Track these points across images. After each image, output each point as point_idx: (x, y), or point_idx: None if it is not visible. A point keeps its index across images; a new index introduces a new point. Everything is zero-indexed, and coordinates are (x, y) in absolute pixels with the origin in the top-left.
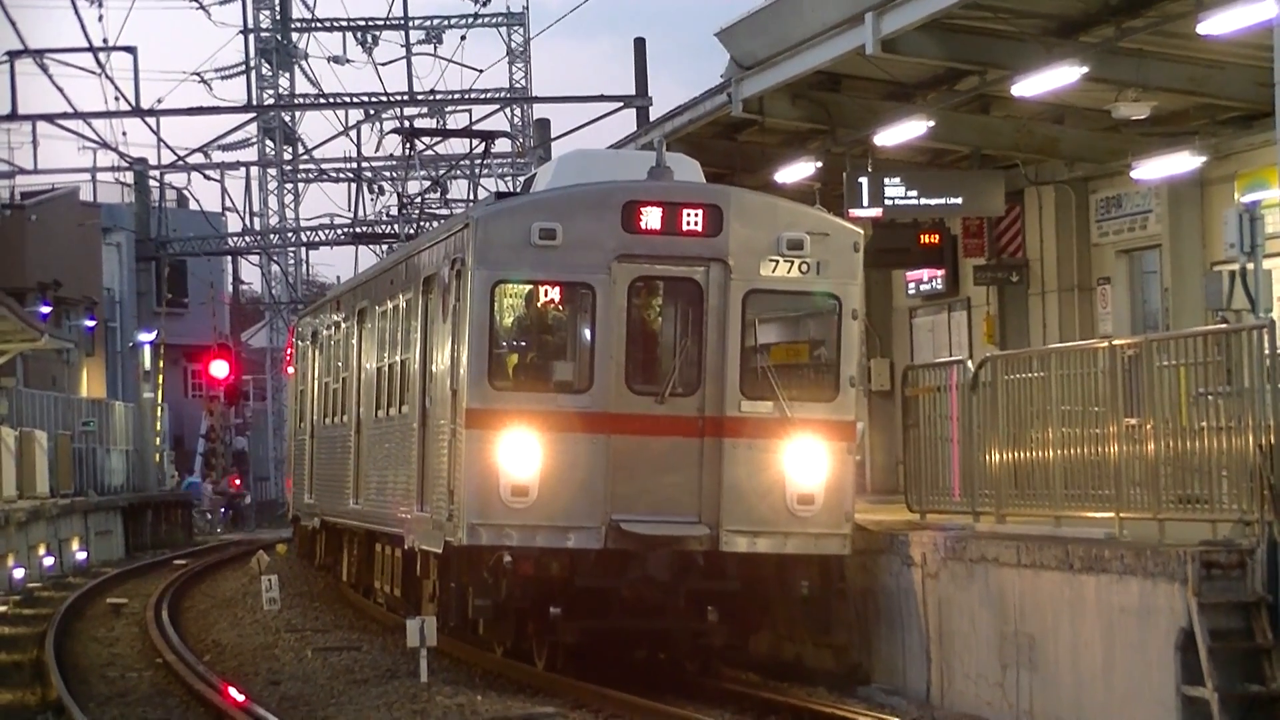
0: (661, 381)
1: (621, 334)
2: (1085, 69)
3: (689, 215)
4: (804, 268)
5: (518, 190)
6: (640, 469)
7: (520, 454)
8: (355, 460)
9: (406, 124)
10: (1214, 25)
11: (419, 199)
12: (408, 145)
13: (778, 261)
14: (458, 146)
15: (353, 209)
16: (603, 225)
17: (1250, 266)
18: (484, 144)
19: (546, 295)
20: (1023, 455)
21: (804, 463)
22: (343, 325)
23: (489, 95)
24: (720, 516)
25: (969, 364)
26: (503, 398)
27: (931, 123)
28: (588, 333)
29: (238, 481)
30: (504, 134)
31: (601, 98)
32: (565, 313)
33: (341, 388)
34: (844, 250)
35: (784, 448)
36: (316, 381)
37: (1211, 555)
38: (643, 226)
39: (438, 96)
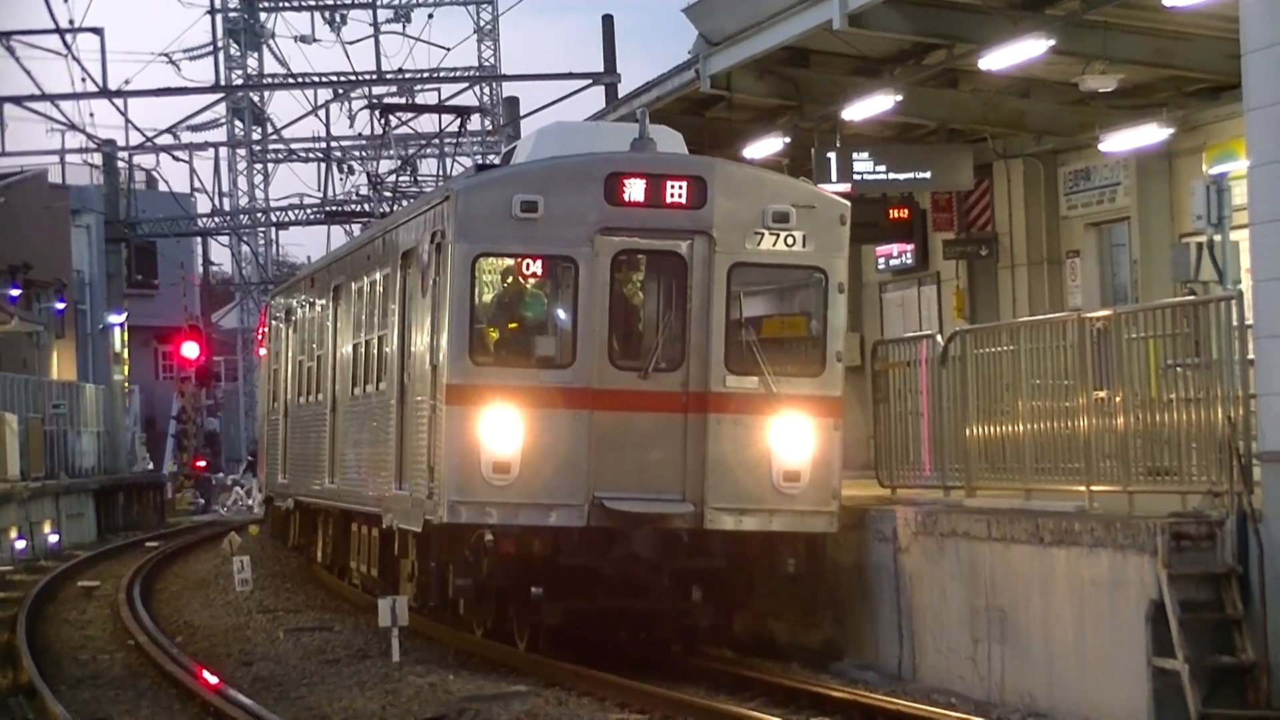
0: (645, 357)
1: (604, 308)
2: (1052, 42)
3: (672, 187)
4: (790, 241)
5: (497, 164)
6: (624, 445)
7: (502, 430)
8: (331, 439)
9: (380, 100)
10: None
11: (393, 176)
12: (382, 121)
13: (763, 234)
14: (429, 125)
15: (322, 189)
16: (585, 197)
17: (1218, 238)
18: (459, 119)
19: (528, 269)
20: (993, 429)
21: (790, 439)
22: (317, 303)
23: (458, 74)
24: (705, 494)
25: (939, 338)
26: (484, 373)
27: (899, 97)
28: (570, 307)
29: (202, 463)
30: (479, 109)
31: (570, 75)
32: (547, 287)
33: (316, 366)
34: (830, 223)
35: (769, 424)
36: (290, 360)
37: (1181, 527)
38: (626, 199)
39: (406, 75)
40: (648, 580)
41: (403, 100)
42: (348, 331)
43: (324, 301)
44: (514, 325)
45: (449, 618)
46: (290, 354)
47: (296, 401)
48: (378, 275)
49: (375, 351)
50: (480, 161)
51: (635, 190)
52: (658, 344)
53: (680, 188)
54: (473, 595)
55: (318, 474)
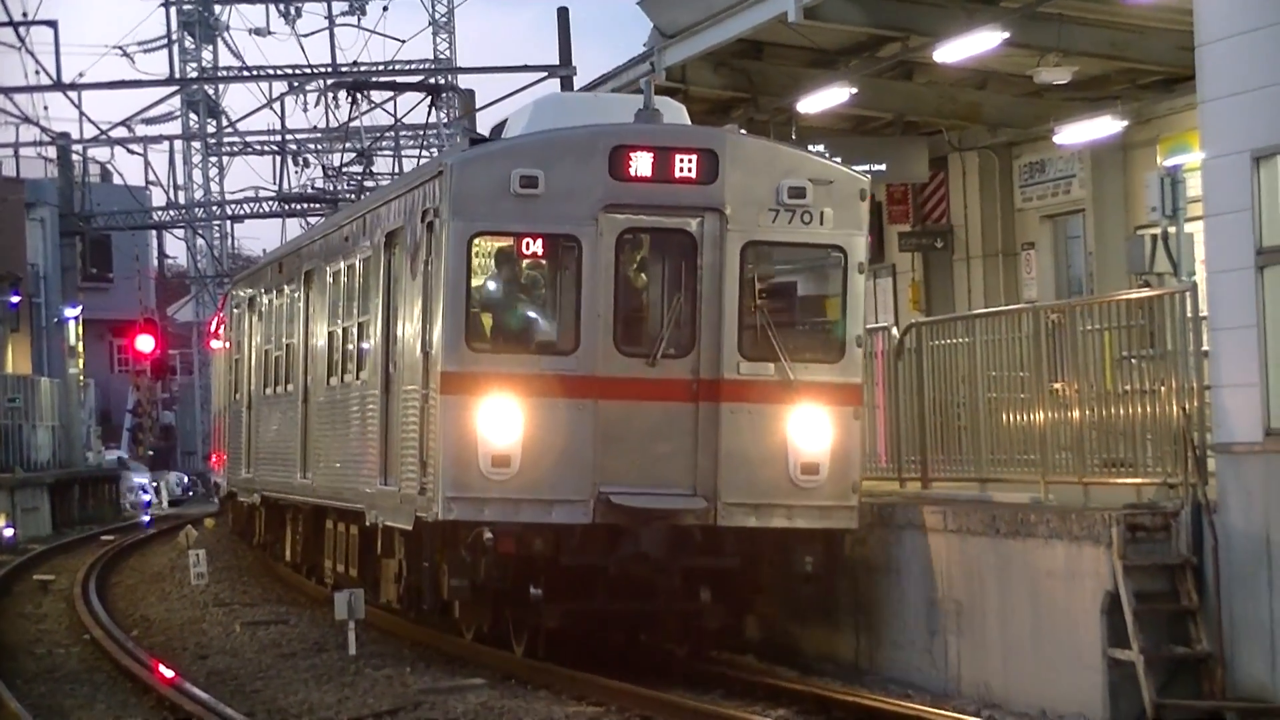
0: (653, 342)
1: (609, 290)
2: (1006, 34)
3: (682, 161)
4: (806, 218)
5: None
6: (630, 437)
7: (500, 421)
8: (303, 432)
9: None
10: None
11: (351, 164)
12: (349, 100)
13: (778, 211)
14: (382, 118)
15: (277, 181)
16: (589, 172)
17: (1172, 230)
18: (430, 98)
19: (528, 249)
20: (949, 421)
21: (808, 429)
22: (287, 289)
23: (413, 66)
24: (718, 488)
25: (894, 330)
26: (481, 360)
27: (854, 90)
28: (573, 289)
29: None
30: (451, 88)
31: (525, 68)
32: (548, 268)
33: (285, 355)
34: (849, 199)
35: (786, 413)
36: (255, 349)
37: (1136, 518)
38: (632, 173)
39: (362, 68)
40: (656, 580)
41: (358, 92)
42: (322, 318)
43: (294, 287)
44: (513, 309)
45: (438, 620)
46: (255, 343)
47: (263, 392)
48: (356, 258)
49: (355, 339)
50: (434, 156)
51: (642, 164)
52: (666, 328)
53: (690, 161)
54: (469, 597)
55: (288, 468)
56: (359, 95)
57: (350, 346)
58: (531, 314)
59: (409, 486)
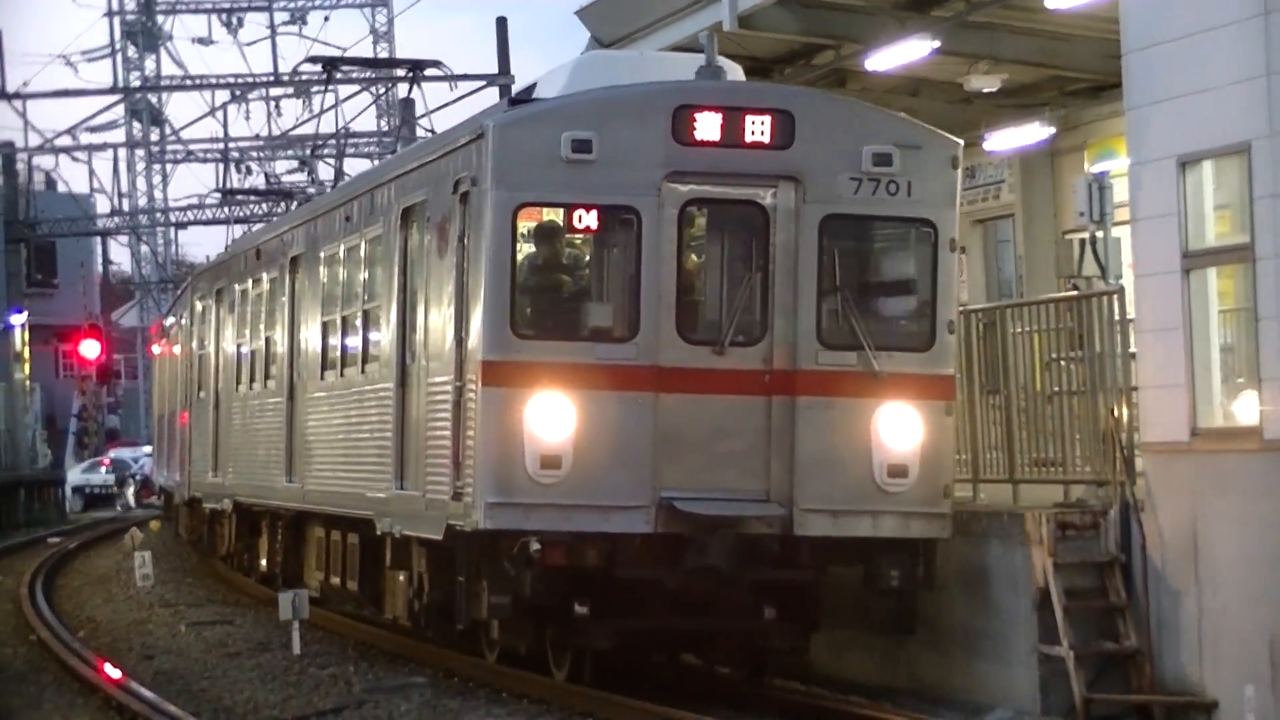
0: (719, 328)
1: (672, 269)
2: (937, 43)
3: (753, 123)
4: (892, 188)
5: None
6: (695, 435)
7: (549, 417)
8: (289, 432)
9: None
10: None
11: (304, 167)
12: (326, 78)
13: (861, 180)
14: (325, 127)
15: (221, 189)
16: (649, 135)
17: (1100, 234)
18: (413, 73)
19: (580, 222)
20: None
21: (895, 426)
22: (266, 278)
23: (354, 75)
24: (794, 492)
25: None
26: (527, 348)
27: None
28: (631, 268)
29: (107, 462)
30: (433, 63)
31: (464, 76)
32: (603, 243)
33: (265, 348)
34: (940, 166)
35: (870, 408)
36: (225, 344)
37: (1066, 517)
38: (697, 137)
39: (303, 77)
40: (722, 596)
41: (300, 102)
42: (314, 307)
43: (275, 275)
44: (563, 291)
45: (458, 639)
46: (225, 336)
47: (235, 390)
48: (362, 239)
49: (359, 328)
50: (513, 98)
51: (709, 126)
52: (735, 313)
53: (762, 124)
54: (510, 615)
55: (270, 472)
56: (332, 72)
57: (352, 337)
58: (584, 296)
59: (437, 491)
